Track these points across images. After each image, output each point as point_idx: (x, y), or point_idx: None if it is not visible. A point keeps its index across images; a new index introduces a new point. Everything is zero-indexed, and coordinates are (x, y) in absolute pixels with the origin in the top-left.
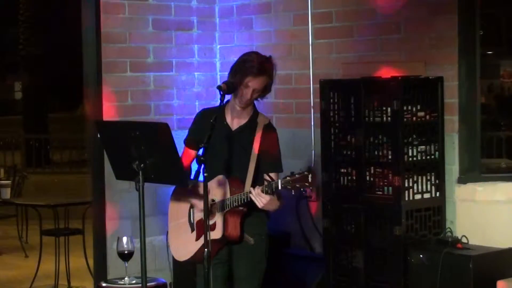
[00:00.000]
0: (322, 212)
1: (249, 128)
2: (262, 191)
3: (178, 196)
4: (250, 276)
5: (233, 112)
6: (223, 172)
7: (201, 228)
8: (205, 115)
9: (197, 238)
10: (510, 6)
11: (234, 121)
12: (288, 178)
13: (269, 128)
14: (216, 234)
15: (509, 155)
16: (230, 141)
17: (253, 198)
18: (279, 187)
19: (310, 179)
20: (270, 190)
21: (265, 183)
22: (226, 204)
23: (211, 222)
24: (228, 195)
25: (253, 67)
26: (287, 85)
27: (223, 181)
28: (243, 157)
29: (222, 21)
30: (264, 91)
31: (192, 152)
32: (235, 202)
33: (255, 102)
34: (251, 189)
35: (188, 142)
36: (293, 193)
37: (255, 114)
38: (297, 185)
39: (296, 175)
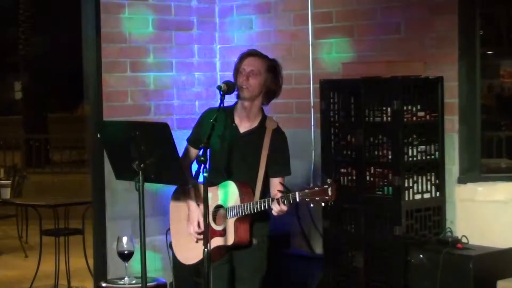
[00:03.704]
0: (322, 212)
1: (257, 132)
2: (278, 203)
3: (180, 197)
4: (252, 277)
5: (241, 113)
6: (229, 175)
7: (210, 231)
8: (211, 114)
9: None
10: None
11: (243, 124)
12: (306, 190)
13: (278, 133)
14: (227, 240)
15: (509, 155)
16: (238, 144)
17: (274, 213)
18: (297, 200)
19: (330, 192)
20: (287, 201)
21: (280, 194)
22: (237, 212)
23: (220, 228)
24: (239, 202)
25: (243, 52)
26: (287, 85)
27: (232, 186)
28: (251, 161)
29: (222, 21)
30: (266, 82)
31: (195, 151)
32: (247, 210)
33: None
34: (272, 205)
35: (192, 141)
36: (311, 206)
37: (264, 118)
38: (317, 199)
39: (315, 188)
